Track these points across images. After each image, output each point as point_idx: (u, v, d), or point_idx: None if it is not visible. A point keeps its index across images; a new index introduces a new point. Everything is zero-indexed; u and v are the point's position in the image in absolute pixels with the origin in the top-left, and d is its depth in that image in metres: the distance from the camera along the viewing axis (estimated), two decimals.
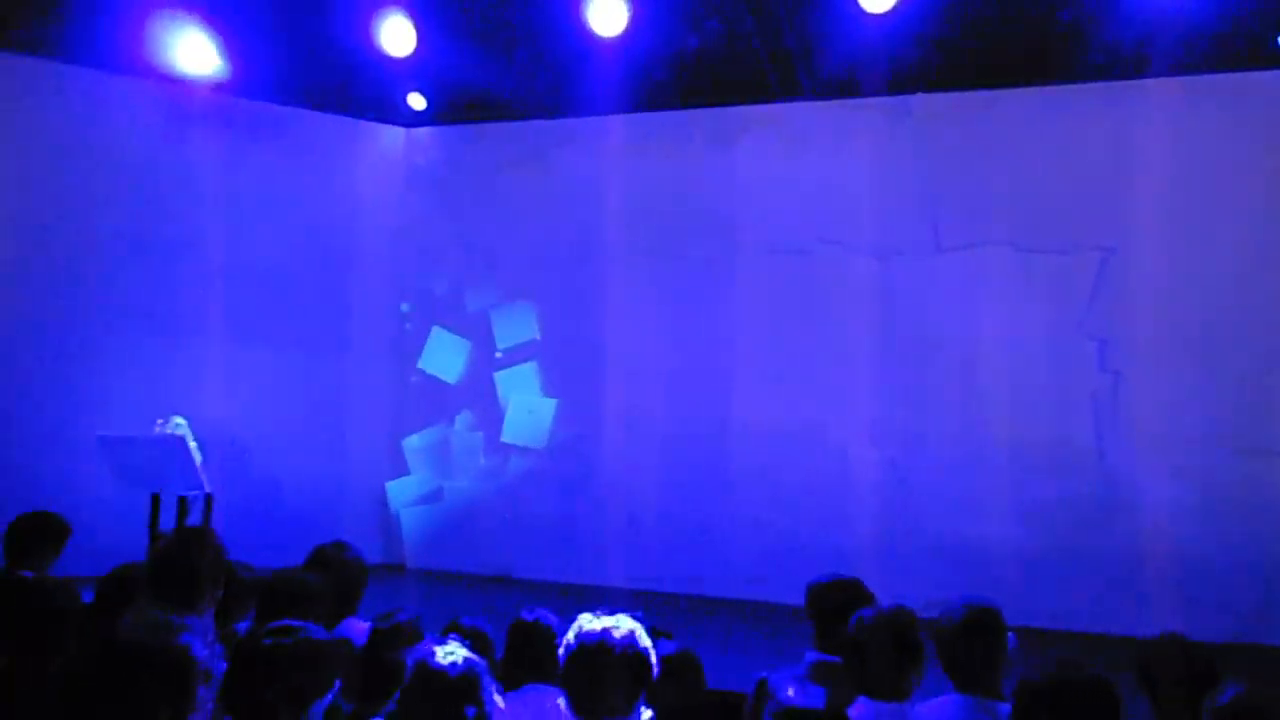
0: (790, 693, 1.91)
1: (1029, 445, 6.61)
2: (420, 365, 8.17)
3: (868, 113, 7.11)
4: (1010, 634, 2.66)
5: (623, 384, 7.58)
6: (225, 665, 2.24)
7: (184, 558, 2.80)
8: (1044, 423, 6.61)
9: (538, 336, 7.93)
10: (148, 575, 2.85)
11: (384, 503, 8.12)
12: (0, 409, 6.69)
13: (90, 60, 7.00)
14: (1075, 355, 6.63)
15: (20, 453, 6.63)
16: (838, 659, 2.70)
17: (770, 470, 7.16)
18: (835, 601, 2.88)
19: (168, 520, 5.38)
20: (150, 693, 1.68)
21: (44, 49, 6.88)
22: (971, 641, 2.61)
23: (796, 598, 3.70)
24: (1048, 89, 6.74)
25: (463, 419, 8.10)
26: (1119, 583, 6.23)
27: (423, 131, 8.32)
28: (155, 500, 5.42)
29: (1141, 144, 6.43)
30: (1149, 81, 6.48)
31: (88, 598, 3.37)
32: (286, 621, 2.33)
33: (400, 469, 8.17)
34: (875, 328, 6.92)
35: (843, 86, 7.01)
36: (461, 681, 2.06)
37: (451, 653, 2.16)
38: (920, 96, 7.02)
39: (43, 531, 3.75)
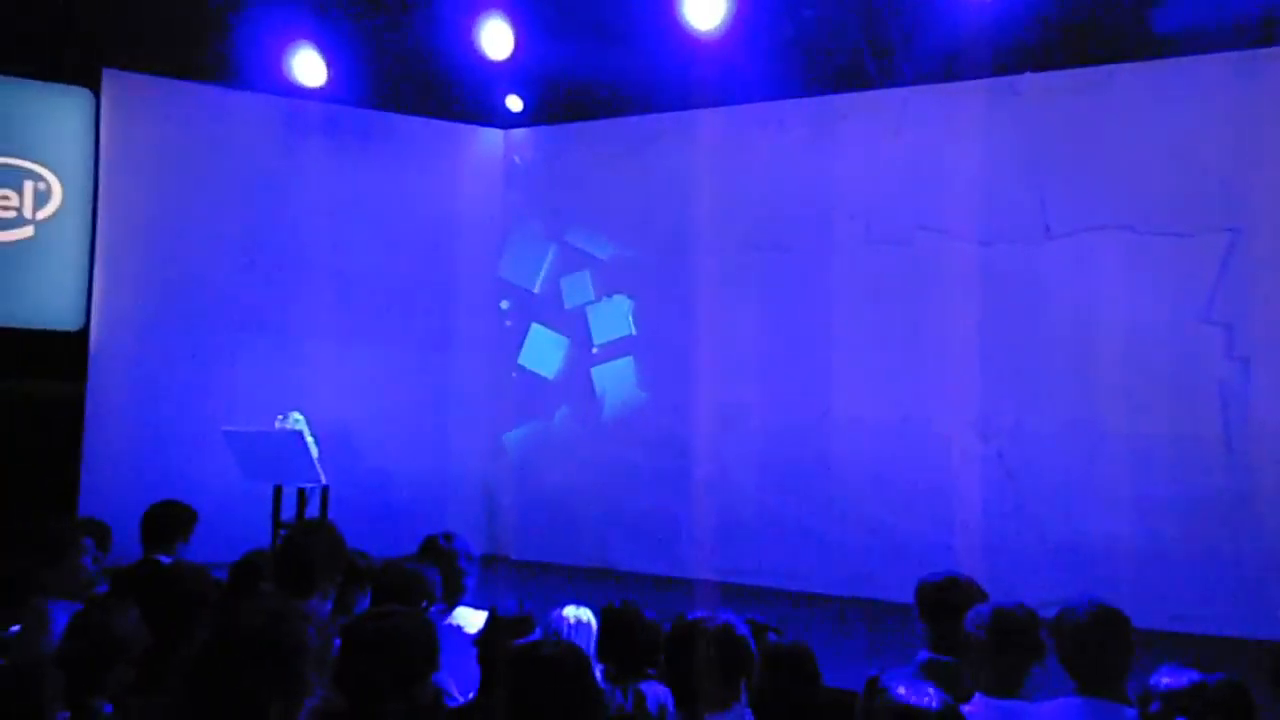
0: (901, 690, 1.88)
1: (1148, 438, 6.28)
2: (520, 361, 8.34)
3: (970, 95, 6.87)
4: (1134, 637, 2.56)
5: (720, 378, 7.56)
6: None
7: (307, 547, 2.95)
8: (1165, 414, 6.27)
9: (633, 332, 7.98)
10: (273, 563, 3.01)
11: (487, 495, 8.33)
12: (135, 409, 7.15)
13: (209, 77, 7.40)
14: (1199, 342, 6.26)
15: (153, 448, 7.08)
16: (949, 658, 2.64)
17: (872, 465, 7.03)
18: (948, 600, 2.81)
19: (289, 510, 5.67)
20: (264, 675, 1.75)
21: (168, 69, 7.32)
22: (1096, 642, 2.52)
23: (899, 595, 3.62)
24: (1163, 62, 6.38)
25: (561, 413, 8.24)
26: (1247, 583, 5.87)
27: (520, 132, 8.49)
28: (277, 491, 5.72)
29: (1268, 116, 6.03)
30: (1277, 49, 6.06)
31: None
32: (394, 606, 2.43)
33: (503, 462, 8.37)
34: (981, 318, 6.69)
35: (943, 70, 6.80)
36: (572, 668, 2.10)
37: (559, 641, 2.21)
38: (1027, 76, 6.75)
39: (173, 518, 4.00)
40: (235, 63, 7.24)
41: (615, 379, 8.05)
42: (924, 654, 2.82)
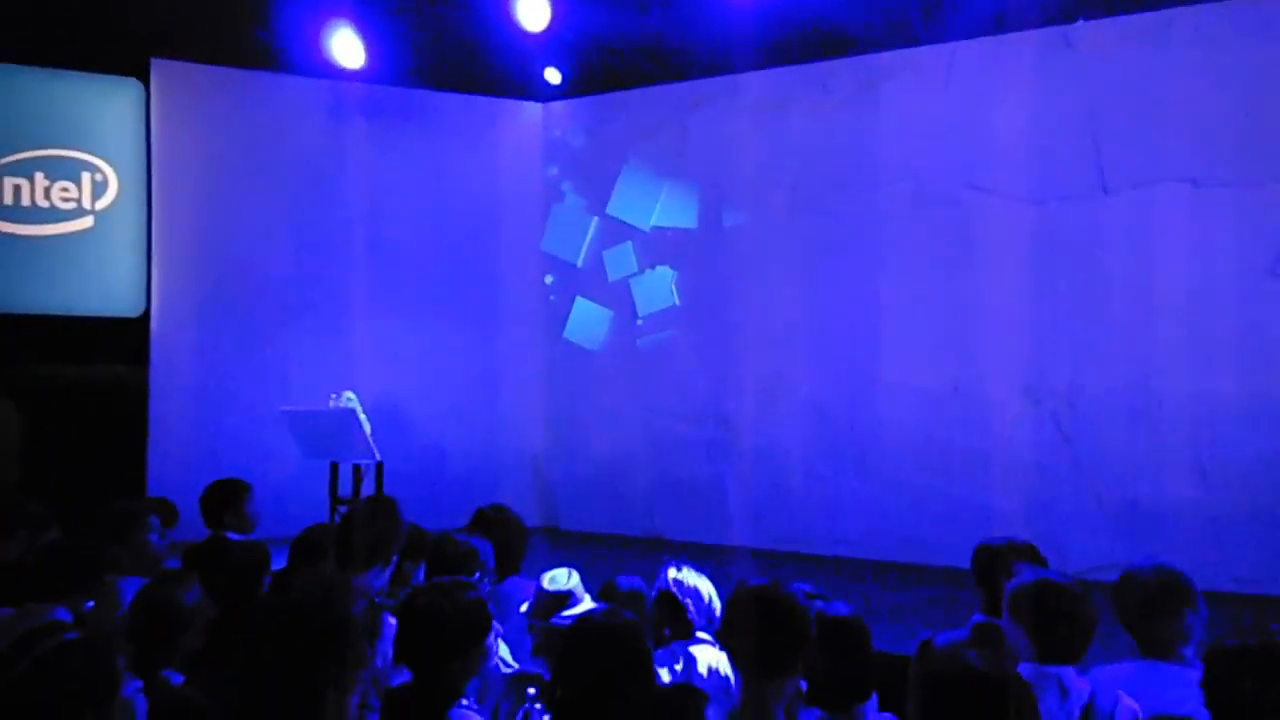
0: (962, 651, 1.86)
1: (1211, 397, 6.09)
2: (566, 335, 8.38)
3: (1020, 47, 6.66)
4: (1200, 600, 2.51)
5: (766, 347, 7.52)
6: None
7: (369, 522, 3.02)
8: (1229, 373, 6.07)
9: (677, 302, 7.96)
10: (335, 537, 3.09)
11: (537, 468, 8.43)
12: (196, 391, 7.36)
13: (253, 63, 7.51)
14: (1265, 298, 6.04)
15: (215, 428, 7.29)
16: (1003, 622, 2.61)
17: (923, 431, 6.94)
18: (1003, 563, 2.78)
19: (346, 487, 5.81)
20: (315, 645, 1.80)
21: (213, 56, 7.44)
22: (1159, 606, 2.48)
23: (952, 560, 3.59)
24: (1223, 5, 6.10)
25: (610, 386, 8.27)
26: None
27: (559, 105, 8.46)
28: (334, 468, 5.86)
29: None
30: None
31: (280, 557, 3.69)
32: (448, 579, 2.48)
33: (553, 435, 8.45)
34: (1034, 279, 6.53)
35: (992, 22, 6.59)
36: (624, 638, 2.12)
37: (613, 611, 2.23)
38: (1079, 25, 6.52)
39: (228, 493, 4.10)
40: (278, 47, 7.34)
41: (658, 349, 8.05)
42: (978, 616, 2.80)
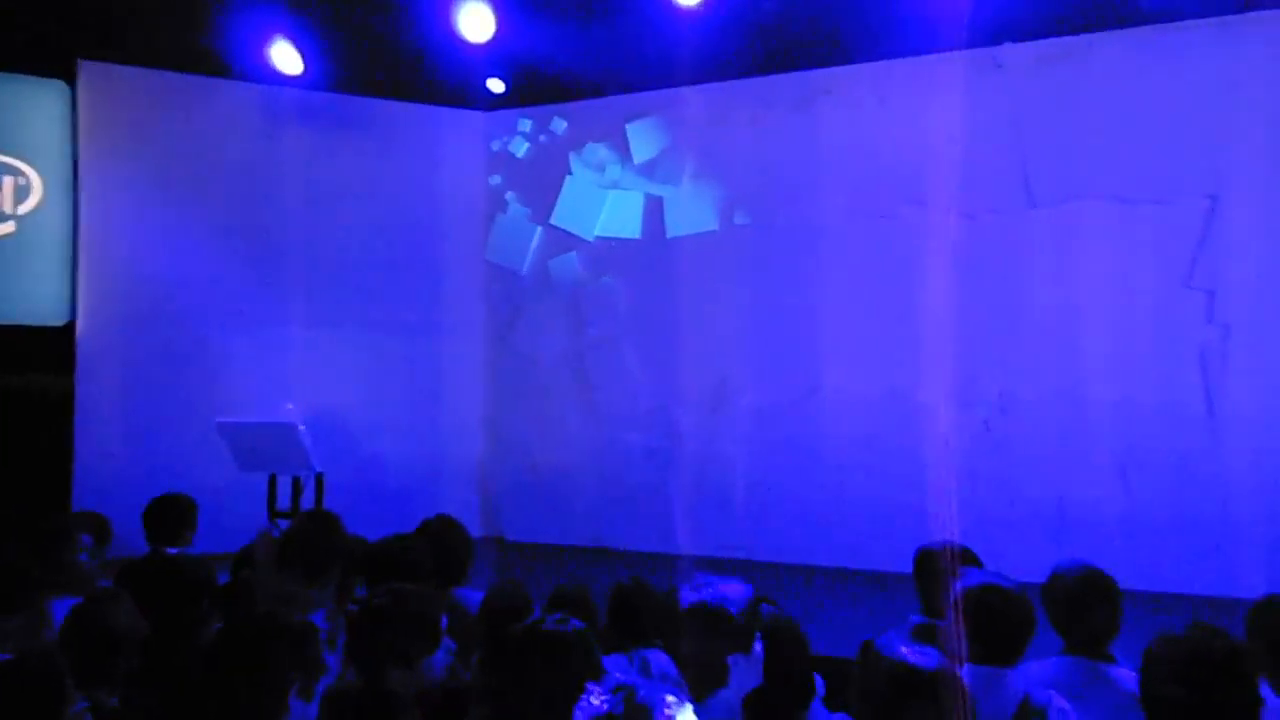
0: (904, 650, 1.93)
1: (1131, 404, 6.38)
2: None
3: (951, 67, 6.88)
4: (1122, 598, 2.63)
5: (710, 355, 7.61)
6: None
7: (311, 536, 2.99)
8: (1148, 380, 6.37)
9: (623, 315, 8.02)
10: (277, 552, 3.05)
11: (481, 477, 8.37)
12: (125, 401, 7.13)
13: (186, 66, 7.33)
14: (1181, 309, 6.35)
15: (145, 440, 7.07)
16: (943, 623, 2.70)
17: (862, 438, 7.10)
18: (942, 566, 2.88)
19: (284, 500, 5.70)
20: (280, 657, 1.84)
21: (144, 59, 7.25)
22: (1084, 604, 2.59)
23: (891, 564, 3.69)
24: (1143, 29, 6.41)
25: (554, 395, 8.26)
26: (1229, 544, 5.99)
27: (502, 114, 8.45)
28: (272, 480, 5.75)
29: (1247, 83, 6.08)
30: (1255, 15, 6.11)
31: (221, 573, 3.62)
32: (399, 584, 2.48)
33: (496, 445, 8.40)
34: (966, 289, 6.75)
35: (925, 42, 6.80)
36: (574, 646, 2.14)
37: (562, 619, 2.25)
38: (1007, 46, 6.78)
39: (174, 510, 4.02)
40: (212, 51, 7.17)
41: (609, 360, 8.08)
42: (916, 618, 2.89)
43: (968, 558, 2.99)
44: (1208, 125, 6.25)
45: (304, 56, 7.21)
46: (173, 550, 3.77)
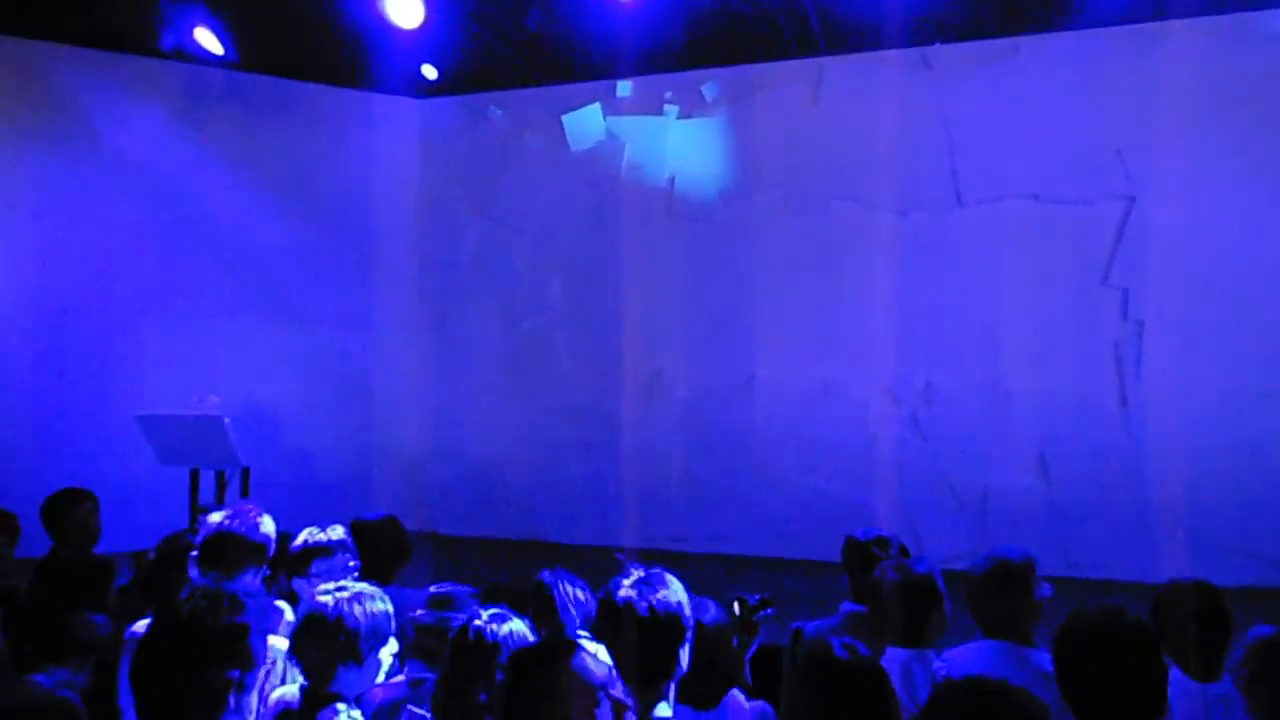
0: (825, 643, 1.97)
1: (1052, 396, 6.62)
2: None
3: (883, 66, 7.03)
4: (1045, 584, 2.72)
5: (645, 348, 7.63)
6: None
7: (233, 531, 2.90)
8: (1067, 373, 6.61)
9: (558, 308, 7.98)
10: (201, 548, 2.95)
11: (413, 470, 8.24)
12: (38, 394, 6.82)
13: (97, 41, 7.01)
14: (1098, 305, 6.61)
15: (59, 434, 6.77)
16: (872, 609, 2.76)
17: (794, 428, 7.22)
18: (870, 555, 2.95)
19: (206, 494, 5.53)
20: (215, 652, 1.83)
21: (57, 34, 6.91)
22: (1001, 590, 2.67)
23: (822, 554, 3.76)
24: (1063, 34, 6.63)
25: (488, 387, 8.18)
26: (1142, 530, 6.27)
27: (437, 102, 8.31)
28: (194, 475, 5.57)
29: (1162, 89, 6.33)
30: (1169, 23, 6.37)
31: (131, 572, 3.50)
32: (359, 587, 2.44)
33: (429, 437, 8.28)
34: (895, 283, 6.91)
35: (859, 40, 6.92)
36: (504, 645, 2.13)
37: (501, 618, 2.23)
38: (938, 47, 6.94)
39: (73, 507, 3.82)
40: (130, 27, 6.87)
41: (541, 349, 8.03)
42: (847, 605, 2.95)
43: (893, 547, 3.06)
44: (1125, 129, 6.51)
45: (227, 36, 6.96)
46: (75, 548, 3.61)
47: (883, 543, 3.01)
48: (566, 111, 7.90)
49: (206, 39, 6.93)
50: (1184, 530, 5.98)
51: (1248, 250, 6.26)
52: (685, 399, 7.55)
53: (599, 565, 2.99)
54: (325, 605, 2.22)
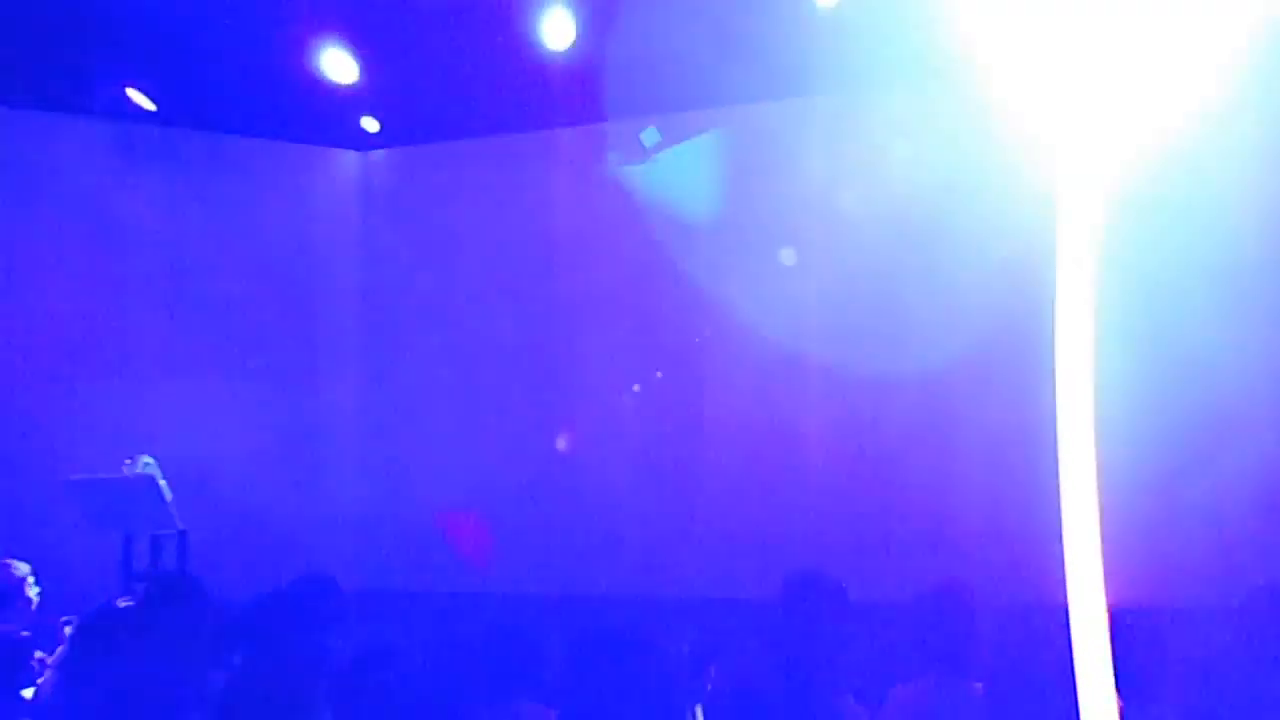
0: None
1: (996, 426, 6.71)
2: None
3: (819, 110, 7.21)
4: (984, 614, 2.74)
5: (593, 391, 7.62)
6: None
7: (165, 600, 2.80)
8: (1008, 402, 6.71)
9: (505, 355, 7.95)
10: (133, 621, 2.84)
11: (363, 526, 8.05)
12: None
13: (29, 101, 6.90)
14: (1041, 332, 6.73)
15: None
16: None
17: (744, 466, 7.23)
18: (810, 595, 2.94)
19: (142, 560, 5.34)
20: None
21: None
22: (946, 625, 2.69)
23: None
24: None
25: (437, 436, 8.06)
26: (1095, 555, 6.34)
27: (379, 154, 8.30)
28: (128, 541, 5.38)
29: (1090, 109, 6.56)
30: None
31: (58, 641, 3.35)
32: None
33: (380, 491, 8.11)
34: (838, 315, 7.02)
35: (794, 85, 7.07)
36: None
37: None
38: (867, 94, 7.14)
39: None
40: (59, 85, 6.77)
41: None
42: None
43: (825, 585, 3.06)
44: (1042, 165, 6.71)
45: (160, 91, 6.89)
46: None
47: (825, 584, 3.01)
48: (510, 161, 7.92)
49: (137, 97, 6.86)
50: (1134, 554, 6.06)
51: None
52: (636, 440, 7.53)
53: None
54: None
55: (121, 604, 3.39)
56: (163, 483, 5.20)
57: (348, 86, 6.84)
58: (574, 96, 7.09)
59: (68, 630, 3.08)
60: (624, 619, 2.52)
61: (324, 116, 7.72)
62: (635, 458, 7.53)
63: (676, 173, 7.60)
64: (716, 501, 7.31)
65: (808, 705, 1.94)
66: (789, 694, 2.01)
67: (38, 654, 3.13)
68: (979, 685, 2.53)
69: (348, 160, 8.28)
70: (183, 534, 5.29)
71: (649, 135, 7.65)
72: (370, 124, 7.84)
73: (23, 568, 2.93)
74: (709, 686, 2.91)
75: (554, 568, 7.52)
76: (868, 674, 2.74)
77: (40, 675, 2.97)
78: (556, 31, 6.30)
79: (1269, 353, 6.30)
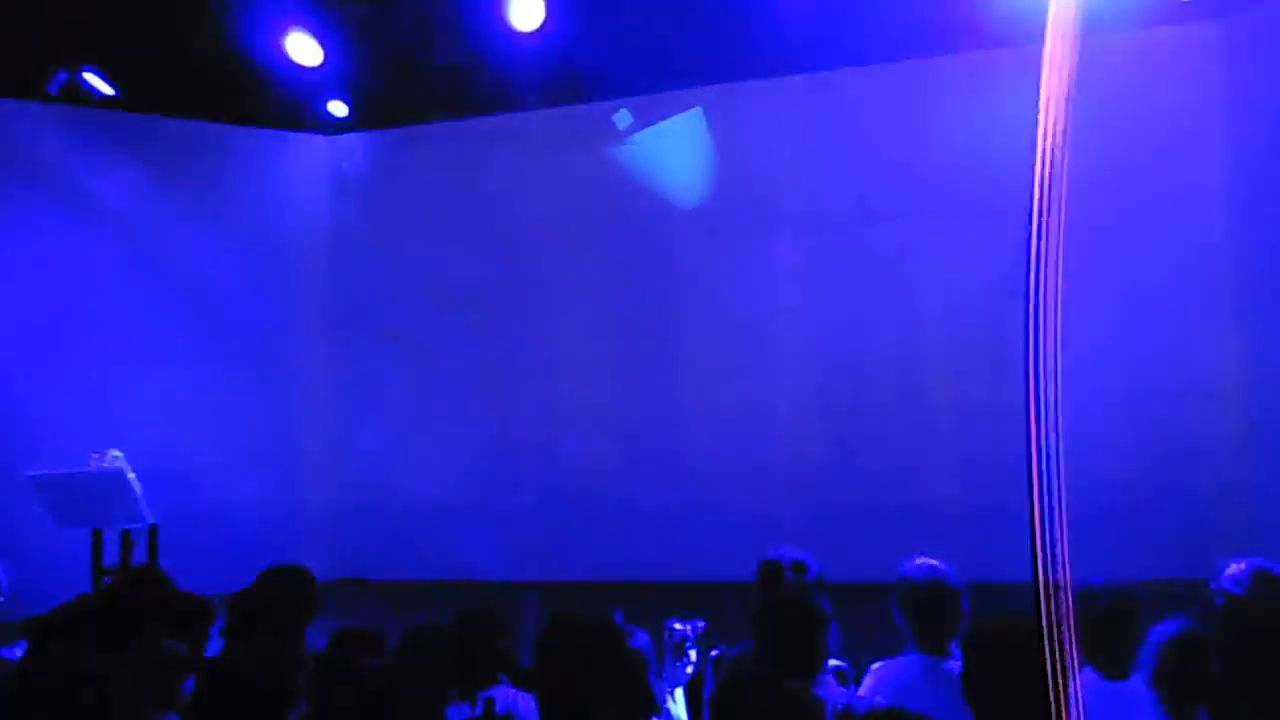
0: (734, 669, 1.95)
1: (970, 406, 6.77)
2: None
3: (789, 90, 7.18)
4: (964, 594, 2.76)
5: (573, 378, 7.59)
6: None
7: (133, 596, 2.75)
8: (982, 383, 6.77)
9: (477, 343, 7.89)
10: (98, 614, 2.78)
11: (338, 517, 8.00)
12: None
13: None
14: (1008, 317, 6.79)
15: None
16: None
17: (723, 451, 7.24)
18: (782, 578, 2.95)
19: (112, 555, 5.26)
20: None
21: None
22: (923, 604, 2.70)
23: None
24: (955, 57, 6.88)
25: (414, 424, 8.01)
26: (1061, 530, 6.43)
27: (348, 138, 8.18)
28: (97, 536, 5.29)
29: (1057, 106, 6.59)
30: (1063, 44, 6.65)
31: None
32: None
33: (355, 480, 8.05)
34: (814, 303, 7.03)
35: (766, 66, 7.06)
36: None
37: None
38: (842, 70, 7.12)
39: None
40: (17, 71, 6.60)
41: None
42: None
43: (799, 567, 3.07)
44: (1016, 145, 6.74)
45: (128, 79, 6.74)
46: None
47: (799, 566, 3.02)
48: (481, 144, 7.84)
49: (95, 80, 6.71)
50: (1097, 528, 6.16)
51: (1144, 256, 6.54)
52: (617, 427, 7.51)
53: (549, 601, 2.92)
54: None
55: (87, 601, 3.33)
56: (131, 475, 5.11)
57: (314, 69, 6.71)
58: (543, 79, 7.02)
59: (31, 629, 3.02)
60: (601, 603, 2.51)
61: (291, 100, 7.57)
62: (611, 442, 7.52)
63: (651, 155, 7.56)
64: (693, 485, 7.32)
65: (787, 685, 1.94)
66: (768, 674, 2.01)
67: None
68: (954, 662, 2.54)
69: (316, 144, 8.15)
70: (154, 527, 5.20)
71: (621, 117, 7.60)
72: (338, 108, 7.72)
73: None
74: (689, 670, 2.90)
75: (530, 554, 7.52)
76: (845, 652, 2.75)
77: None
78: (525, 13, 6.22)
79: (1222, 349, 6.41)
